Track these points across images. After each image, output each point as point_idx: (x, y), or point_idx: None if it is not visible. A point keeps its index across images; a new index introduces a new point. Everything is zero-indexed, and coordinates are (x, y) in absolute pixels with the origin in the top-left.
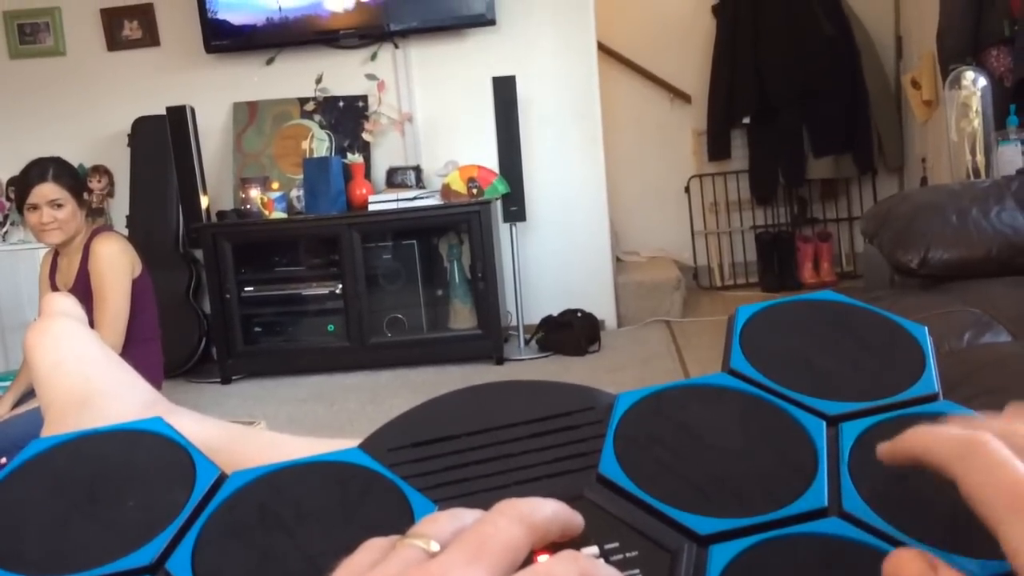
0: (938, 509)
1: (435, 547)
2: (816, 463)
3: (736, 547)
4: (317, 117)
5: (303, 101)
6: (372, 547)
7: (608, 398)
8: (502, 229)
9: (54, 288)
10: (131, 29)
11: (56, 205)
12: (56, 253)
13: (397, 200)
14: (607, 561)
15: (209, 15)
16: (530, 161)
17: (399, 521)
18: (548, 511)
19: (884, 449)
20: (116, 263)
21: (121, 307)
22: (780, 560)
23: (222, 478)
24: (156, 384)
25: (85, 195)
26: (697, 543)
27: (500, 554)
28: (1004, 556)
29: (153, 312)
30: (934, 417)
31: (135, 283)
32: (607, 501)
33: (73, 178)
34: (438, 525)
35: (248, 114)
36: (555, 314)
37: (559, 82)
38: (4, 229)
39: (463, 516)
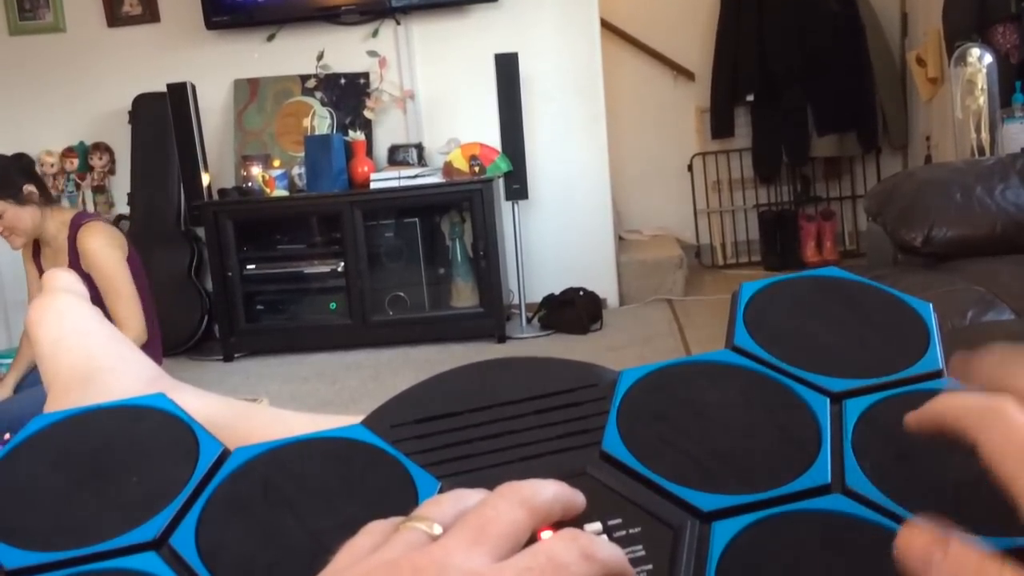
0: (941, 486)
1: (437, 530)
2: (819, 440)
3: (739, 523)
4: (318, 94)
5: (304, 78)
6: (374, 530)
7: (611, 375)
8: (504, 207)
9: (42, 274)
10: (131, 5)
11: None
12: (35, 241)
13: (399, 178)
14: (610, 537)
15: None
16: (532, 139)
17: (402, 497)
18: (549, 493)
19: (911, 418)
20: (112, 257)
21: (133, 298)
22: (783, 537)
23: (225, 454)
24: (155, 360)
25: (26, 188)
26: (700, 519)
27: (501, 537)
28: (1008, 533)
29: (145, 289)
30: (938, 394)
31: (127, 263)
32: (610, 477)
33: None
34: (441, 508)
35: (249, 91)
36: (557, 292)
37: (562, 59)
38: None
39: (466, 498)
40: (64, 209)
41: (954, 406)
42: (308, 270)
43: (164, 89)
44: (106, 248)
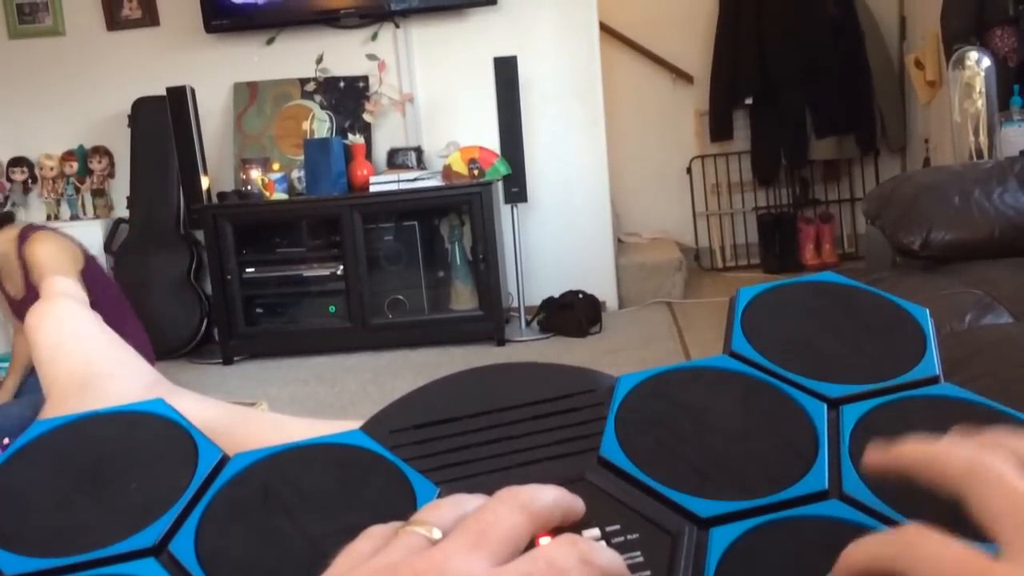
0: (937, 491)
1: (437, 534)
2: (817, 446)
3: (737, 530)
4: (318, 98)
5: (304, 81)
6: (373, 534)
7: (609, 380)
8: (503, 210)
9: (7, 296)
10: (130, 8)
11: None
12: None
13: (398, 181)
14: (608, 543)
15: None
16: (531, 142)
17: (401, 503)
18: (548, 498)
19: (873, 459)
20: (57, 266)
21: None
22: (781, 543)
23: (224, 460)
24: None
25: None
26: (698, 525)
27: (501, 542)
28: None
29: (115, 294)
30: (935, 400)
31: (83, 274)
32: (608, 483)
33: None
34: (440, 512)
35: (248, 95)
36: (556, 295)
37: (561, 62)
38: (6, 209)
39: (465, 503)
40: (12, 227)
41: (935, 453)
42: (307, 273)
43: (164, 92)
44: (52, 259)
